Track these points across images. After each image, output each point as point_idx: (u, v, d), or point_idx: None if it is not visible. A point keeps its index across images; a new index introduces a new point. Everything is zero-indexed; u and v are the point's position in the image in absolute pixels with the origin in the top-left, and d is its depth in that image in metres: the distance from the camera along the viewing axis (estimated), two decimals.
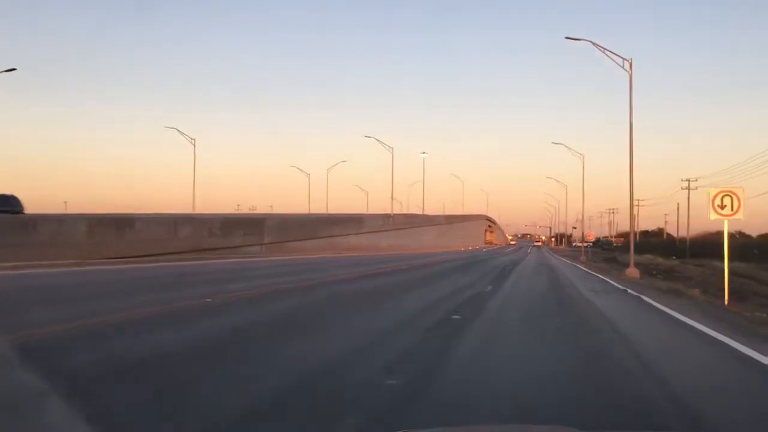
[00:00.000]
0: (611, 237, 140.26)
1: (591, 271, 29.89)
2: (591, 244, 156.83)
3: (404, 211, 79.19)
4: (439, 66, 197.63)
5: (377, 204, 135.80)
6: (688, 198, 78.07)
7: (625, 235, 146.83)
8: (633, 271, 25.59)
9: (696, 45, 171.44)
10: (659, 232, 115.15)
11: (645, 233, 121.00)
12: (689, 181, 78.70)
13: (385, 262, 32.68)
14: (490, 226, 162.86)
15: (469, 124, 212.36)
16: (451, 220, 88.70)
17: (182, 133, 52.88)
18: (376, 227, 53.36)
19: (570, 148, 53.78)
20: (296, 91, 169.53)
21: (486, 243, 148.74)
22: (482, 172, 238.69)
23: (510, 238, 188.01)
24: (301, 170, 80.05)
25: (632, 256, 26.37)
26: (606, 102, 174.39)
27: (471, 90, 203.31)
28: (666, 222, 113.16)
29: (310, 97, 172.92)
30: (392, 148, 59.80)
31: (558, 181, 78.50)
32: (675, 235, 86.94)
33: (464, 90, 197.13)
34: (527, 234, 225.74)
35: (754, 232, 78.42)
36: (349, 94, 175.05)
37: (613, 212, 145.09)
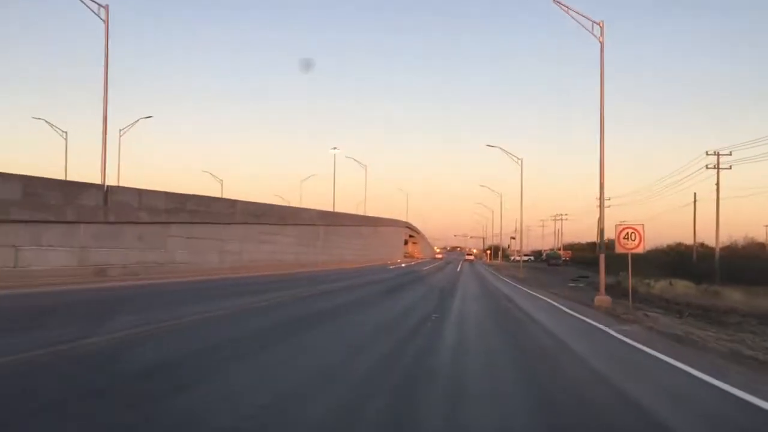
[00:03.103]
0: (559, 249, 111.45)
1: None
2: (532, 257, 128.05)
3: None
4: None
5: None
6: (718, 181, 47.39)
7: (573, 248, 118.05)
8: None
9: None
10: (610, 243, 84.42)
11: (591, 245, 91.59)
12: (718, 154, 48.27)
13: None
14: (411, 236, 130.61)
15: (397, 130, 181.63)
16: (336, 220, 54.74)
17: None
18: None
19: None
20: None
21: (406, 256, 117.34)
22: (406, 177, 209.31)
23: (438, 250, 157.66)
24: (51, 125, 45.37)
25: None
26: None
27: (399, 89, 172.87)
28: None
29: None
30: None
31: (508, 154, 46.33)
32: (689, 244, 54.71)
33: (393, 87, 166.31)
34: (457, 246, 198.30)
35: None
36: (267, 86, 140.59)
37: (561, 219, 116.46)
